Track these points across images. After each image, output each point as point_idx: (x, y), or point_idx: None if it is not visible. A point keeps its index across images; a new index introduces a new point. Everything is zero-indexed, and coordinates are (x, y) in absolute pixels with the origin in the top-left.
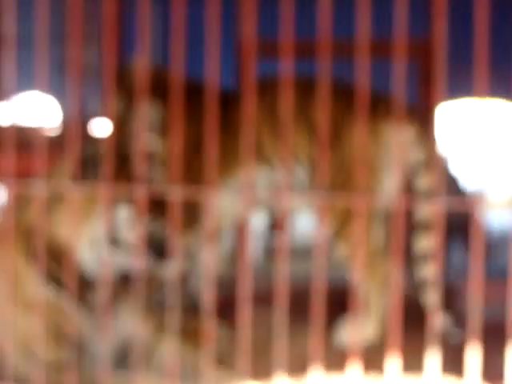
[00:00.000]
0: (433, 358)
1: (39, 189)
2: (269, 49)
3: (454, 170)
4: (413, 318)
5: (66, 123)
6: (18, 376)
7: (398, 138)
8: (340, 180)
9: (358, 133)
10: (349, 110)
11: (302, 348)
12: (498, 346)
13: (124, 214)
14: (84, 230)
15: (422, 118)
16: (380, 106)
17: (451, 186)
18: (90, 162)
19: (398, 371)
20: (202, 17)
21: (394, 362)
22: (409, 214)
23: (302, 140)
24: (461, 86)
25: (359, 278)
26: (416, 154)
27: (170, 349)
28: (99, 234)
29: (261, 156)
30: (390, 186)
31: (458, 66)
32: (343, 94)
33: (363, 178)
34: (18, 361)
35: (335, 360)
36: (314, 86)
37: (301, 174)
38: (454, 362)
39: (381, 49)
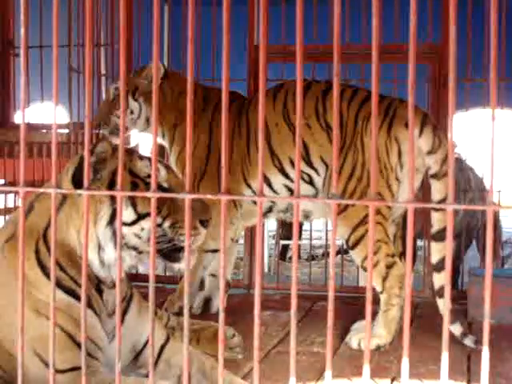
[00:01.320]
0: (444, 363)
1: (49, 193)
2: (281, 53)
3: (476, 171)
4: (430, 323)
5: (73, 129)
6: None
7: (415, 144)
8: (355, 185)
9: (375, 139)
10: (366, 116)
11: (314, 353)
12: None
13: (128, 216)
14: (89, 232)
15: (437, 124)
16: (397, 112)
17: (472, 185)
18: (92, 165)
19: (409, 376)
20: (215, 22)
21: (405, 366)
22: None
23: (319, 145)
24: (473, 97)
25: (373, 282)
26: (431, 160)
27: (180, 352)
28: (104, 236)
29: (276, 161)
30: (406, 192)
31: (471, 76)
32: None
33: (378, 183)
34: (32, 368)
35: (347, 364)
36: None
37: (317, 179)
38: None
39: (395, 55)
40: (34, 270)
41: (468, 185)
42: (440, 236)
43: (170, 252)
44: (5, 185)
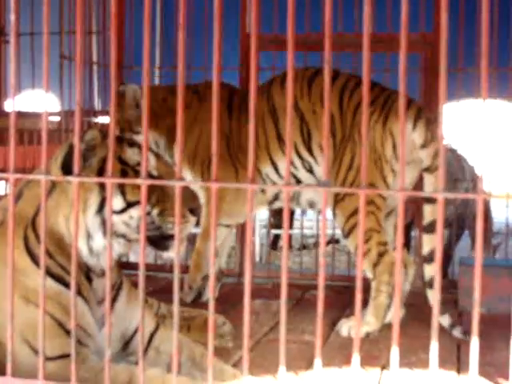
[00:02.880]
0: (434, 352)
1: (39, 180)
2: (273, 42)
3: (468, 161)
4: (421, 313)
5: (64, 116)
6: (20, 371)
7: (409, 137)
8: (355, 175)
9: (371, 130)
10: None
11: (305, 341)
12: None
13: (117, 204)
14: (78, 220)
15: (431, 118)
16: (394, 106)
17: (466, 175)
18: (82, 153)
19: (399, 365)
20: (207, 10)
21: (395, 355)
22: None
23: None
24: (465, 87)
25: (365, 271)
26: (424, 154)
27: (170, 340)
28: (92, 224)
29: (284, 146)
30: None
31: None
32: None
33: (373, 174)
34: (21, 355)
35: (337, 353)
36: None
37: (317, 168)
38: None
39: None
40: (22, 258)
41: (462, 175)
42: (431, 228)
43: (158, 240)
44: None
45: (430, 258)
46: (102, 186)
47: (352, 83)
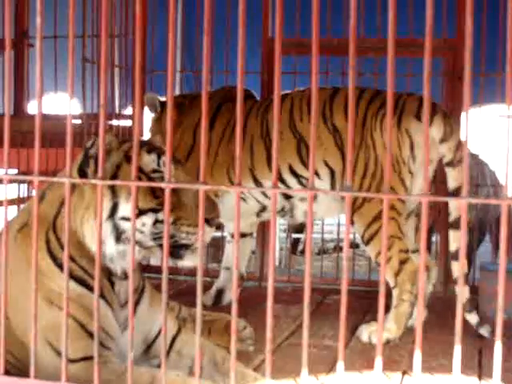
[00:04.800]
0: (458, 355)
1: (61, 182)
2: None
3: (490, 166)
4: (441, 318)
5: (85, 119)
6: (43, 373)
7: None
8: (370, 182)
9: (386, 132)
10: (376, 110)
11: (325, 346)
12: None
13: (129, 211)
14: (89, 225)
15: (447, 112)
16: (406, 106)
17: (487, 180)
18: (94, 158)
19: (421, 369)
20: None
21: (417, 360)
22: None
23: (324, 149)
24: (487, 93)
25: (387, 278)
26: (444, 148)
27: (192, 343)
28: (104, 229)
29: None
30: (420, 184)
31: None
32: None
33: (391, 177)
34: (44, 357)
35: (358, 358)
36: (338, 93)
37: (318, 183)
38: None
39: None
40: (45, 260)
41: (483, 180)
42: (458, 224)
43: (172, 248)
44: (18, 174)
45: (457, 256)
46: (114, 192)
47: (355, 93)
